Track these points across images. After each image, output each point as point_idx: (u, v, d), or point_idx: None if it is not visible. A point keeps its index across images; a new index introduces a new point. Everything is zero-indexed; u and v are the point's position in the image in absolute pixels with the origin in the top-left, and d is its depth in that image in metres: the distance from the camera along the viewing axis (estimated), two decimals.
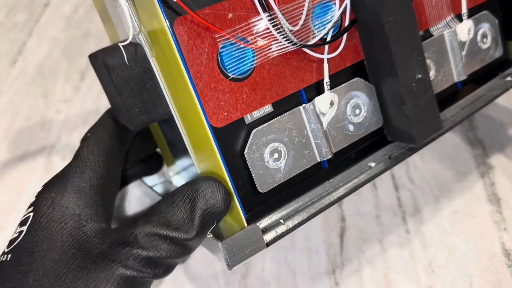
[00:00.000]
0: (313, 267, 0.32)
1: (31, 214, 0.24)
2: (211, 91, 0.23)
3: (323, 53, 0.26)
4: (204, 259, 0.33)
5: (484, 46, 0.31)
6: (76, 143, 0.41)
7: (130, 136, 0.30)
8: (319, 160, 0.26)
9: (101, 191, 0.25)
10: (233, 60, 0.24)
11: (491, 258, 0.32)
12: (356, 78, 0.27)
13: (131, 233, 0.23)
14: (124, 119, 0.26)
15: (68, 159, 0.39)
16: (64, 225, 0.24)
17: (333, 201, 0.27)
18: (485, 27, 0.31)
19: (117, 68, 0.24)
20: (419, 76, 0.26)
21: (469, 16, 0.30)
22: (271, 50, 0.24)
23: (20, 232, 0.24)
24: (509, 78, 0.33)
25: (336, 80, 0.26)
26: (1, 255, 0.24)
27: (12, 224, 0.35)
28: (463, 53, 0.30)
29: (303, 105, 0.26)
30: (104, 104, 0.43)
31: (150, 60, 0.24)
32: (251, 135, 0.24)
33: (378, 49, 0.26)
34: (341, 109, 0.27)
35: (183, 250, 0.24)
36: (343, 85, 0.27)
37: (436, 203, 0.35)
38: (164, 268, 0.24)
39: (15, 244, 0.23)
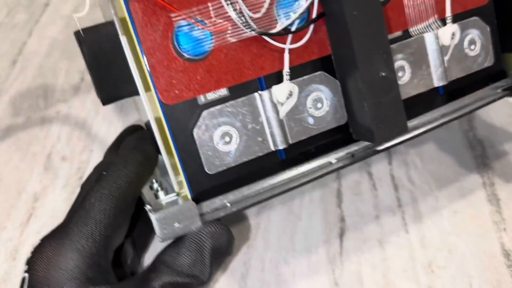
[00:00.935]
0: (313, 267, 0.32)
1: (26, 275, 0.22)
2: (163, 68, 0.24)
3: (285, 43, 0.26)
4: None
5: (472, 53, 0.31)
6: (76, 143, 0.41)
7: (149, 175, 0.27)
8: (273, 149, 0.26)
9: (104, 245, 0.23)
10: (190, 40, 0.24)
11: (490, 259, 0.32)
12: (319, 72, 0.27)
13: None
14: (96, 93, 0.27)
15: (68, 159, 0.40)
16: None
17: (285, 190, 0.27)
18: (473, 33, 0.30)
19: (88, 43, 0.26)
20: (383, 74, 0.25)
21: (456, 21, 0.30)
22: (229, 35, 0.25)
23: None
24: (499, 90, 0.32)
25: (300, 72, 0.27)
26: None
27: (12, 224, 0.35)
28: (446, 57, 0.30)
29: (259, 92, 0.26)
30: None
31: (121, 38, 0.25)
32: (201, 116, 0.25)
33: (341, 43, 0.26)
34: (301, 101, 0.27)
35: None
36: (305, 77, 0.27)
37: (435, 203, 0.35)
38: None
39: None
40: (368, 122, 0.26)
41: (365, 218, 0.35)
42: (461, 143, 0.39)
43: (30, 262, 0.22)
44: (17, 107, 0.44)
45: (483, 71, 0.31)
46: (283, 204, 0.36)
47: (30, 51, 0.49)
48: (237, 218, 0.35)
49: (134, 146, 0.27)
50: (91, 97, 0.44)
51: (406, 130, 0.27)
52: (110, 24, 0.25)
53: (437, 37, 0.29)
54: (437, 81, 0.30)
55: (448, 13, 0.29)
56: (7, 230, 0.35)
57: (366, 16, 0.25)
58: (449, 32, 0.29)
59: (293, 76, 0.26)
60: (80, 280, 0.22)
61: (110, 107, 0.43)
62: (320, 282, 0.31)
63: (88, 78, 0.46)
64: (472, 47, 0.30)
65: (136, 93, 0.26)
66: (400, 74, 0.28)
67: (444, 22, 0.30)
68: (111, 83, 0.26)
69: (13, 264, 0.33)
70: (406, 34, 0.29)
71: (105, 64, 0.26)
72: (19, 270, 0.33)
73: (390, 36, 0.28)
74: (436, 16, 0.29)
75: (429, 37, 0.29)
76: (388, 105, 0.26)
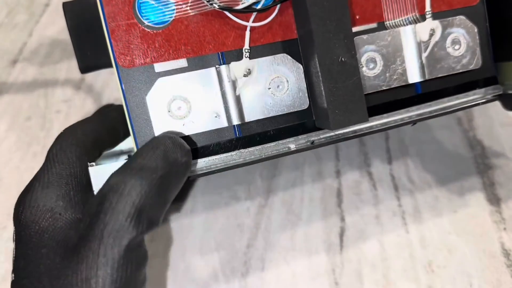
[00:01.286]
0: (313, 267, 0.32)
1: (14, 228, 0.24)
2: (122, 32, 0.25)
3: (248, 21, 0.26)
4: (204, 259, 0.33)
5: (455, 53, 0.29)
6: None
7: (111, 134, 0.28)
8: (226, 124, 0.26)
9: (75, 180, 0.24)
10: (151, 8, 0.25)
11: (490, 258, 0.32)
12: (282, 54, 0.27)
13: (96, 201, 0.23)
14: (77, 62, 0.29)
15: None
16: (39, 226, 0.23)
17: (236, 165, 0.27)
18: (458, 32, 0.29)
19: (70, 12, 0.27)
20: (344, 59, 0.25)
21: (437, 18, 0.29)
22: (190, 7, 0.25)
23: (13, 250, 0.23)
24: (488, 96, 0.31)
25: (263, 52, 0.27)
26: (11, 276, 0.23)
27: (12, 224, 0.35)
28: (424, 54, 0.29)
29: (217, 66, 0.26)
30: (104, 104, 0.43)
31: (99, 8, 0.26)
32: (155, 83, 0.26)
33: (302, 25, 0.26)
34: (260, 81, 0.27)
35: (154, 189, 0.23)
36: (267, 57, 0.27)
37: (435, 203, 0.35)
38: (147, 219, 0.23)
39: (13, 263, 0.23)
40: (325, 106, 0.25)
41: (365, 218, 0.35)
42: (461, 143, 0.39)
43: (14, 216, 0.24)
44: (17, 107, 0.44)
45: (468, 73, 0.30)
46: (283, 204, 0.36)
47: (31, 51, 0.49)
48: (237, 218, 0.35)
49: (100, 112, 0.29)
50: (92, 97, 0.44)
51: (365, 119, 0.26)
52: None
53: (414, 32, 0.28)
54: (413, 78, 0.29)
55: (428, 8, 0.29)
56: (7, 230, 0.35)
57: None
58: (427, 28, 0.28)
59: (255, 55, 0.27)
60: (52, 211, 0.23)
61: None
62: (320, 282, 0.31)
63: (88, 78, 0.46)
64: (456, 46, 0.29)
65: (112, 65, 0.27)
66: (371, 65, 0.28)
67: (424, 18, 0.29)
68: (91, 52, 0.28)
69: None
70: (381, 26, 0.29)
71: (86, 34, 0.28)
72: None
73: (364, 27, 0.28)
74: (416, 11, 0.29)
75: (405, 31, 0.28)
76: (346, 91, 0.25)
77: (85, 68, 0.29)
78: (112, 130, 0.28)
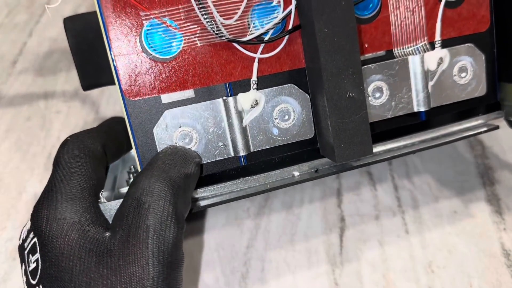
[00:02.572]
0: (313, 267, 0.32)
1: (35, 239, 0.24)
2: (128, 64, 0.25)
3: (256, 52, 0.26)
4: (204, 260, 0.33)
5: (462, 81, 0.29)
6: None
7: (115, 145, 0.29)
8: (232, 154, 0.27)
9: (94, 192, 0.25)
10: (158, 39, 0.25)
11: (490, 259, 0.32)
12: (289, 84, 0.27)
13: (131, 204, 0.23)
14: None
15: None
16: (69, 238, 0.23)
17: (241, 196, 0.27)
18: (466, 60, 0.29)
19: (72, 31, 0.27)
20: (352, 94, 0.25)
21: (448, 46, 0.29)
22: (198, 38, 0.25)
23: (36, 260, 0.23)
24: (489, 122, 0.31)
25: (270, 82, 0.27)
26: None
27: (12, 224, 0.35)
28: (431, 83, 0.28)
29: (224, 97, 0.26)
30: (103, 104, 0.43)
31: (102, 28, 0.26)
32: (162, 115, 0.25)
33: (311, 58, 0.26)
34: (267, 111, 0.27)
35: (181, 189, 0.24)
36: (274, 87, 0.27)
37: (435, 203, 0.35)
38: (181, 218, 0.24)
39: (38, 274, 0.23)
40: (331, 140, 0.26)
41: (365, 218, 0.35)
42: (461, 143, 0.39)
43: (33, 228, 0.24)
44: (17, 108, 0.44)
45: (473, 100, 0.30)
46: (283, 204, 0.36)
47: (31, 51, 0.49)
48: (238, 218, 0.35)
49: (104, 124, 0.29)
50: (92, 97, 0.45)
51: (370, 153, 0.26)
52: (95, 13, 0.26)
53: (422, 61, 0.28)
54: (418, 106, 0.29)
55: (438, 36, 0.28)
56: (7, 230, 0.35)
57: (337, 34, 0.24)
58: (436, 57, 0.28)
59: (262, 85, 0.26)
60: (80, 223, 0.23)
61: (110, 109, 0.43)
62: (320, 282, 0.31)
63: None
64: (463, 74, 0.29)
65: (114, 83, 0.26)
66: (377, 95, 0.28)
67: (433, 46, 0.29)
68: (93, 70, 0.28)
69: (13, 264, 0.33)
70: (390, 55, 0.28)
71: (88, 52, 0.27)
72: (19, 270, 0.33)
73: (371, 55, 0.28)
74: (425, 39, 0.28)
75: (413, 60, 0.28)
76: (353, 126, 0.25)
77: (87, 86, 0.28)
78: (117, 143, 0.28)
